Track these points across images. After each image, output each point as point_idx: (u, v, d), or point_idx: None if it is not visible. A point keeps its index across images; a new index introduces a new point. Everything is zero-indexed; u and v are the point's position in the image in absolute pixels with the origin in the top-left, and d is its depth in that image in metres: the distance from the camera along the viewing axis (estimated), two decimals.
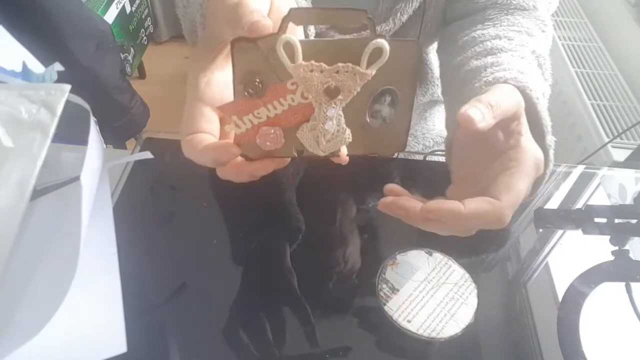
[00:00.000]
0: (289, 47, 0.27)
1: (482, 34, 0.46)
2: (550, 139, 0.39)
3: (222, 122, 0.32)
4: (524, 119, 0.35)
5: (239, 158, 0.30)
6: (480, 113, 0.30)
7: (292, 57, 0.27)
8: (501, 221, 0.31)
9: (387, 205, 0.33)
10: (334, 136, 0.30)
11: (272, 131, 0.29)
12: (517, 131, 0.34)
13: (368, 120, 0.30)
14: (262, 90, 0.28)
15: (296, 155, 0.31)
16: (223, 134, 0.32)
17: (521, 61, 0.41)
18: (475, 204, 0.31)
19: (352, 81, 0.28)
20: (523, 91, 0.37)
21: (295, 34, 0.28)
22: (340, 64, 0.27)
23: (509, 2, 0.49)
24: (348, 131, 0.30)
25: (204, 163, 0.30)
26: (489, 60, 0.41)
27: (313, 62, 0.27)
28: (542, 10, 0.50)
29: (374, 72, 0.28)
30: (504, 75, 0.38)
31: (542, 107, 0.38)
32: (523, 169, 0.33)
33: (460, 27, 0.50)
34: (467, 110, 0.30)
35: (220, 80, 0.31)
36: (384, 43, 0.27)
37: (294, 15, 0.28)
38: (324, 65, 0.27)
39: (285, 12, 0.28)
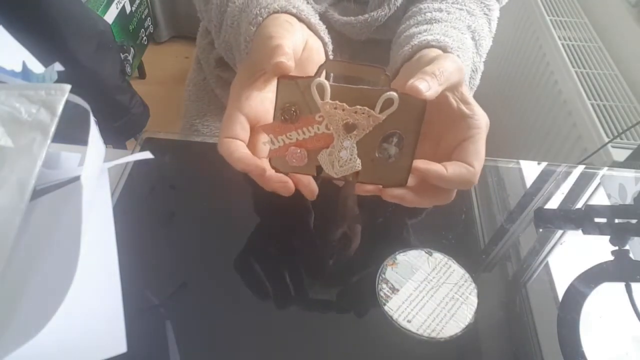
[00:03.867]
0: (320, 88, 0.33)
1: (427, 6, 0.50)
2: None
3: (252, 130, 0.39)
4: (465, 86, 0.38)
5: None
6: (427, 83, 0.34)
7: (322, 95, 0.33)
8: (473, 184, 0.36)
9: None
10: (346, 162, 0.35)
11: (299, 151, 0.36)
12: (467, 99, 0.38)
13: (377, 155, 0.36)
14: (296, 118, 0.35)
15: (315, 174, 0.37)
16: (251, 142, 0.39)
17: (452, 30, 0.44)
18: (455, 168, 0.35)
19: (366, 121, 0.34)
20: (444, 50, 0.41)
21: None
22: (358, 107, 0.33)
23: None
24: (358, 161, 0.35)
25: (234, 166, 0.36)
26: (423, 28, 0.45)
27: (337, 102, 0.33)
28: None
29: (384, 117, 0.34)
30: (426, 38, 0.42)
31: (465, 68, 0.42)
32: (483, 133, 0.38)
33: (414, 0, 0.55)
34: (413, 82, 0.34)
35: (257, 98, 0.39)
36: (394, 95, 0.33)
37: (328, 65, 0.37)
38: (345, 105, 0.33)
39: (316, 51, 0.40)
